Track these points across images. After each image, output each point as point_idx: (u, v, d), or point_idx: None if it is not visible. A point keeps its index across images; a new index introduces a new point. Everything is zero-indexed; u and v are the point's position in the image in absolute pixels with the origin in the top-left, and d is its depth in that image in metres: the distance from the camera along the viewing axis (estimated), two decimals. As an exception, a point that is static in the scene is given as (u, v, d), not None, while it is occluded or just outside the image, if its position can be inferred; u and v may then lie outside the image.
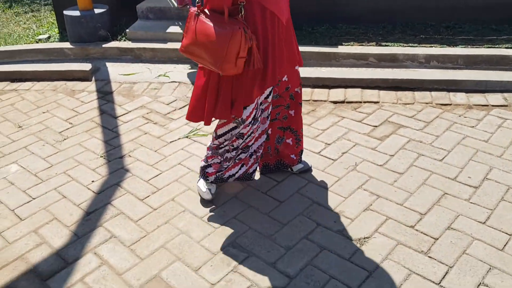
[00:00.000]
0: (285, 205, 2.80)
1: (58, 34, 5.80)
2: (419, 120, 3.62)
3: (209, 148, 2.77)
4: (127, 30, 5.15)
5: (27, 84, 4.57)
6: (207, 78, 2.47)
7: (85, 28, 5.07)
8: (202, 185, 2.87)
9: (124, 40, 5.14)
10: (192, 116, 2.58)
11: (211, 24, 2.24)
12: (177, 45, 4.93)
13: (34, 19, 6.66)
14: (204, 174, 2.83)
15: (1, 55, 5.09)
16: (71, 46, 5.07)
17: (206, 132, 3.60)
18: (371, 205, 2.77)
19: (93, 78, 4.61)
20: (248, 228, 2.64)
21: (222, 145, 2.71)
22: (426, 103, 3.86)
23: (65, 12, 5.18)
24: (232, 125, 2.60)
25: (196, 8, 2.34)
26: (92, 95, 4.28)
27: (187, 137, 3.57)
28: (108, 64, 4.92)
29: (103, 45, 5.04)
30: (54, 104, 4.17)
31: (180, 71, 4.64)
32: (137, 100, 4.17)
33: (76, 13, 5.12)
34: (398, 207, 2.75)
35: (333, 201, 2.81)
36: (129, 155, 3.39)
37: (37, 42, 5.52)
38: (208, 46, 2.25)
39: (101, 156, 3.40)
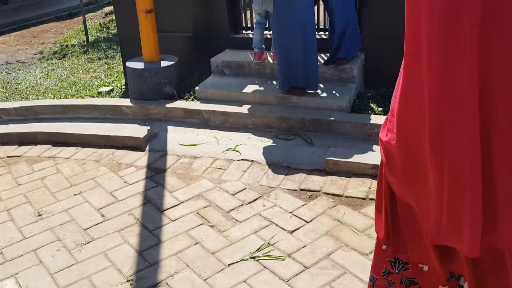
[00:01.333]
0: None
1: (123, 87, 5.00)
2: None
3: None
4: (197, 88, 4.17)
5: (70, 151, 3.68)
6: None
7: (148, 84, 4.17)
8: None
9: (192, 100, 4.16)
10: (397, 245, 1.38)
11: None
12: (254, 109, 3.85)
13: (105, 67, 5.99)
14: None
15: (53, 109, 4.31)
16: (130, 104, 4.18)
17: (283, 252, 2.39)
18: None
19: (147, 148, 3.63)
20: None
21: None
22: None
23: (127, 63, 4.33)
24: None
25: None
26: (140, 173, 3.27)
27: (253, 257, 2.38)
28: (170, 129, 3.93)
29: (167, 105, 4.08)
30: (92, 182, 3.20)
31: (255, 145, 3.52)
32: (194, 184, 3.08)
33: (140, 65, 4.24)
34: None
35: None
36: (167, 283, 2.26)
37: (97, 96, 4.73)
38: None
39: (127, 281, 2.30)
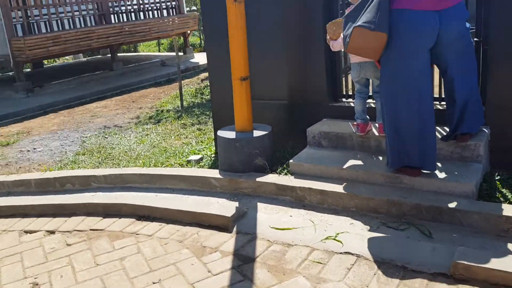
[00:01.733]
0: None
1: (213, 155, 4.75)
2: None
3: None
4: (291, 161, 3.75)
5: (153, 227, 3.38)
6: None
7: (239, 155, 3.85)
8: None
9: (285, 174, 3.74)
10: None
11: None
12: (356, 188, 3.32)
13: (196, 133, 5.86)
14: None
15: (141, 178, 4.13)
16: (219, 176, 3.86)
17: None
18: None
19: (235, 228, 3.22)
20: None
21: None
22: None
23: (219, 132, 4.07)
24: None
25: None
26: (225, 261, 2.84)
27: None
28: (260, 206, 3.52)
29: (258, 179, 3.70)
30: (173, 269, 2.82)
31: (359, 234, 2.96)
32: (288, 282, 2.57)
33: (231, 134, 3.95)
34: None
35: None
36: None
37: (186, 164, 4.50)
38: None
39: None
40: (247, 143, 3.83)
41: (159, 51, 16.55)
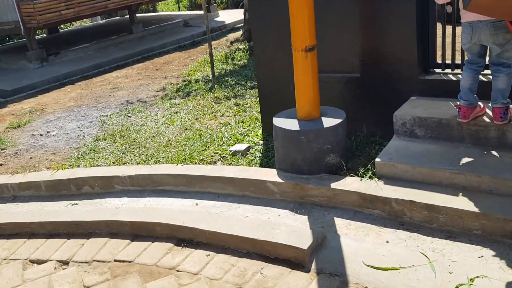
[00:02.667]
0: None
1: (260, 142, 3.78)
2: None
3: None
4: (377, 160, 2.74)
5: (199, 257, 2.46)
6: None
7: (305, 151, 2.85)
8: None
9: (370, 178, 2.74)
10: None
11: None
12: (481, 202, 2.32)
13: (235, 110, 4.86)
14: None
15: (176, 180, 3.20)
16: (278, 180, 2.89)
17: None
18: None
19: (314, 265, 2.28)
20: None
21: None
22: None
23: (275, 121, 3.06)
24: None
25: None
26: (311, 329, 1.93)
27: None
28: (339, 224, 2.55)
29: (333, 185, 2.72)
30: None
31: (503, 279, 1.98)
32: None
33: (293, 124, 2.94)
34: None
35: None
36: None
37: (230, 157, 3.55)
38: None
39: None
40: (316, 136, 2.82)
41: (179, 10, 15.30)
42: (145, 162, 3.73)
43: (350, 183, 2.71)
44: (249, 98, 5.22)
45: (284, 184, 2.86)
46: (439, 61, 3.14)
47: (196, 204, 3.00)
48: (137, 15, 11.18)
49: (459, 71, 3.05)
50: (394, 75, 3.16)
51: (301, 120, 2.94)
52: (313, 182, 2.78)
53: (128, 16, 10.67)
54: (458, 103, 2.71)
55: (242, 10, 9.64)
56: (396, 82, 3.16)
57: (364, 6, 3.13)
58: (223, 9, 13.56)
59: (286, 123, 2.95)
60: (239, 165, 3.35)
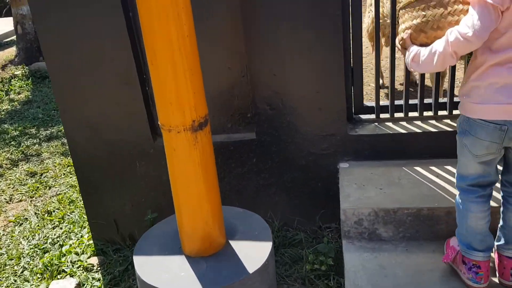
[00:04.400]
0: None
1: (96, 266, 2.15)
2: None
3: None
4: None
5: None
6: None
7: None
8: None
9: None
10: None
11: None
12: None
13: (30, 185, 2.99)
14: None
15: None
16: None
17: None
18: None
19: None
20: None
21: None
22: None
23: (138, 265, 1.47)
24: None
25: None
26: None
27: None
28: None
29: None
30: None
31: None
32: None
33: (177, 276, 1.46)
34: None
35: None
36: None
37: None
38: None
39: None
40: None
41: None
42: None
43: None
44: (49, 158, 3.42)
45: None
46: (369, 103, 2.05)
47: None
48: None
49: (400, 114, 2.02)
50: (310, 132, 1.95)
51: (192, 258, 1.47)
52: None
53: None
54: (458, 248, 1.55)
55: (9, 20, 7.19)
56: (313, 143, 1.96)
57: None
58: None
59: (162, 271, 1.44)
60: None
